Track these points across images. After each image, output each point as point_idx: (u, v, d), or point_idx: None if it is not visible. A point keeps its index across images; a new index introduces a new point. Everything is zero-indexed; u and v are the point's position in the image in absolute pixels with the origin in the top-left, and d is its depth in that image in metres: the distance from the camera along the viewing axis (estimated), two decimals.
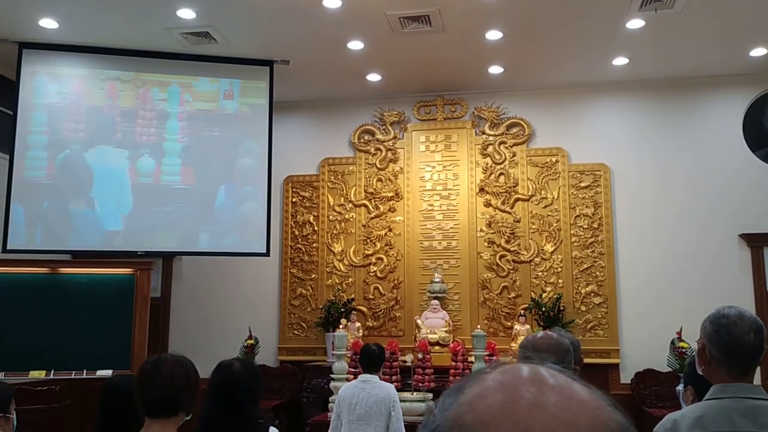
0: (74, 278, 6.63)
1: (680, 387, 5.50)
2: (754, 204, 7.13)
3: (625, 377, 7.08)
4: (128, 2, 5.81)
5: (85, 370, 6.13)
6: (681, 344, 6.52)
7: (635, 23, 6.11)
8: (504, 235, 7.50)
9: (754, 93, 7.34)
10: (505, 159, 7.66)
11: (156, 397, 2.03)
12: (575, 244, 7.40)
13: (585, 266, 7.35)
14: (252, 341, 7.25)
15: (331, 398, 5.78)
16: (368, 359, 4.42)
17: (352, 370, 6.10)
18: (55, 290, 6.49)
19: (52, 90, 6.77)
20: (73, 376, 6.08)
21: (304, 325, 7.81)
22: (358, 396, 4.30)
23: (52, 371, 6.11)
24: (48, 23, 6.21)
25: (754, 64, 6.96)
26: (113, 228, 6.76)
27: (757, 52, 6.71)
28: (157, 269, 7.58)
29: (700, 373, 2.03)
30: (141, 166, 6.86)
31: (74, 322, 6.32)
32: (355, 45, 6.62)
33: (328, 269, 7.86)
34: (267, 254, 7.11)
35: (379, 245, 7.74)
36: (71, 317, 6.32)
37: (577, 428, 0.50)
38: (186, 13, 6.00)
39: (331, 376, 5.78)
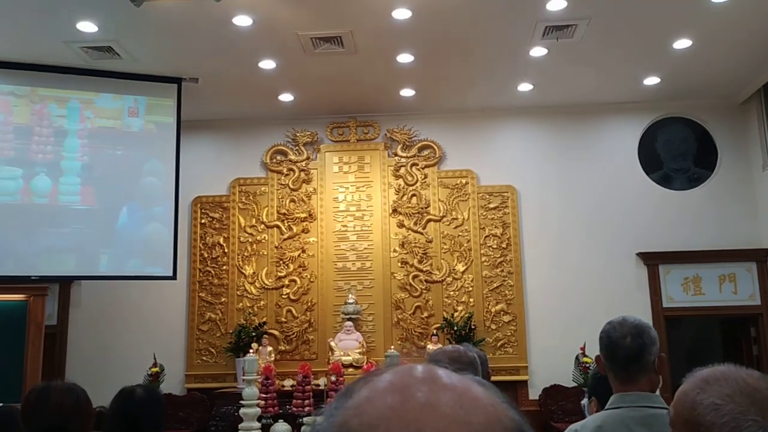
0: None
1: (584, 401, 5.68)
2: (649, 224, 7.53)
3: (533, 393, 7.25)
4: (24, 14, 5.52)
5: None
6: (585, 359, 6.75)
7: (538, 51, 6.37)
8: (417, 255, 7.56)
9: (649, 119, 7.80)
10: (417, 180, 7.76)
11: (43, 426, 1.88)
12: (485, 263, 7.56)
13: (495, 285, 7.51)
14: (157, 369, 6.92)
15: (240, 426, 5.59)
16: None
17: (263, 395, 5.94)
18: None
19: None
20: None
21: (213, 350, 7.55)
22: None
23: None
24: None
25: (647, 92, 7.39)
26: (4, 251, 6.32)
27: (650, 81, 7.13)
28: (53, 295, 7.12)
29: (611, 385, 2.07)
30: (36, 185, 6.47)
31: None
32: (267, 64, 6.55)
33: (238, 292, 7.65)
34: (173, 277, 6.86)
35: (292, 267, 7.62)
36: None
37: (470, 426, 0.48)
38: (87, 26, 5.74)
39: (241, 402, 5.59)
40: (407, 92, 7.32)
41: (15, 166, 6.44)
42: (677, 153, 7.81)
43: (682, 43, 6.25)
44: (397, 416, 0.48)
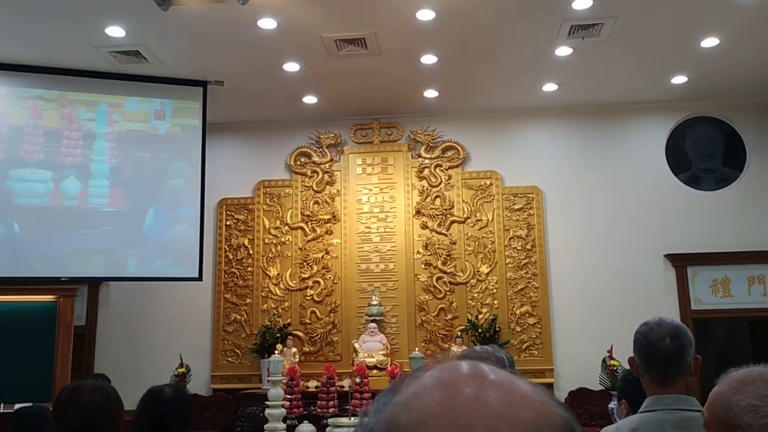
0: None
1: (612, 404, 5.60)
2: (677, 225, 7.42)
3: (559, 396, 7.17)
4: (54, 19, 5.61)
5: (2, 404, 5.76)
6: (612, 362, 6.65)
7: (563, 50, 6.31)
8: (440, 257, 7.54)
9: (676, 119, 7.69)
10: (441, 182, 7.74)
11: (74, 425, 1.90)
12: (509, 265, 7.51)
13: (519, 287, 7.46)
14: (183, 369, 6.98)
15: (266, 426, 5.62)
16: None
17: (288, 396, 5.97)
18: None
19: None
20: None
21: (238, 351, 7.60)
22: None
23: None
24: None
25: (675, 91, 7.29)
26: (35, 252, 6.43)
27: (678, 79, 7.04)
28: (81, 296, 7.24)
29: (645, 388, 2.04)
30: (65, 188, 6.57)
31: None
32: (291, 67, 6.58)
33: (263, 294, 7.70)
34: (199, 279, 6.92)
35: (315, 268, 7.65)
36: None
37: (520, 423, 0.48)
38: (115, 31, 5.83)
39: (266, 403, 5.63)
40: (431, 93, 7.31)
41: (45, 169, 6.55)
42: (705, 153, 7.69)
43: (710, 42, 6.16)
44: (446, 412, 0.48)
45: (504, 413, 0.48)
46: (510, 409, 0.48)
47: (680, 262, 7.37)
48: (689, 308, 7.27)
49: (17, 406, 5.75)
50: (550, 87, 7.17)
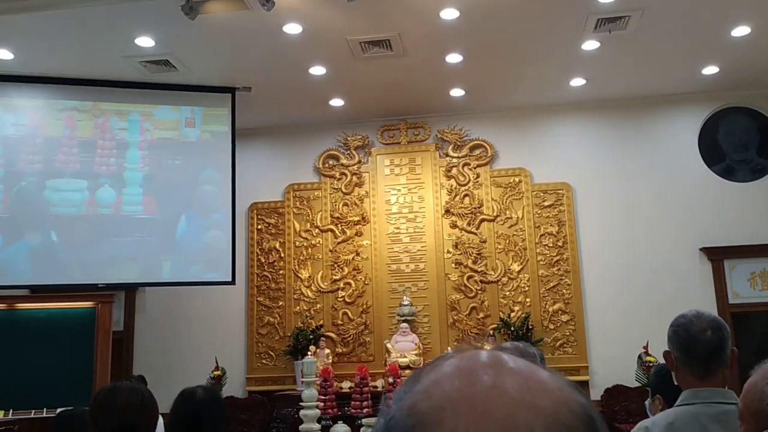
0: (33, 314, 6.43)
1: (648, 401, 5.53)
2: (712, 218, 7.29)
3: (595, 394, 7.10)
4: (85, 32, 5.75)
5: (45, 409, 5.92)
6: (648, 359, 6.57)
7: (590, 44, 6.25)
8: (471, 255, 7.52)
9: (708, 110, 7.55)
10: (469, 180, 7.72)
11: (110, 427, 1.95)
12: (541, 262, 7.45)
13: (552, 284, 7.40)
14: (219, 372, 7.09)
15: (301, 427, 5.67)
16: None
17: (322, 397, 6.02)
18: (13, 327, 6.29)
19: (7, 122, 6.63)
20: (33, 415, 5.86)
21: (272, 353, 7.68)
22: None
23: (11, 411, 5.89)
24: (2, 54, 6.10)
25: (707, 81, 7.16)
26: (73, 261, 6.59)
27: (709, 70, 6.90)
28: (119, 302, 7.39)
29: (676, 383, 2.01)
30: (101, 196, 6.73)
31: (33, 359, 6.12)
32: (317, 70, 6.63)
33: (295, 296, 7.77)
34: (233, 282, 7.01)
35: (346, 270, 7.69)
36: (30, 354, 6.12)
37: (538, 409, 0.49)
38: (145, 42, 5.94)
39: (301, 404, 5.68)
40: (457, 92, 7.29)
41: (80, 179, 6.71)
42: (739, 144, 7.54)
43: (741, 31, 6.03)
44: (464, 399, 0.49)
45: (522, 400, 0.49)
46: (528, 396, 0.49)
47: (716, 255, 7.23)
48: (726, 302, 7.13)
49: (59, 410, 5.90)
50: (578, 82, 7.10)
